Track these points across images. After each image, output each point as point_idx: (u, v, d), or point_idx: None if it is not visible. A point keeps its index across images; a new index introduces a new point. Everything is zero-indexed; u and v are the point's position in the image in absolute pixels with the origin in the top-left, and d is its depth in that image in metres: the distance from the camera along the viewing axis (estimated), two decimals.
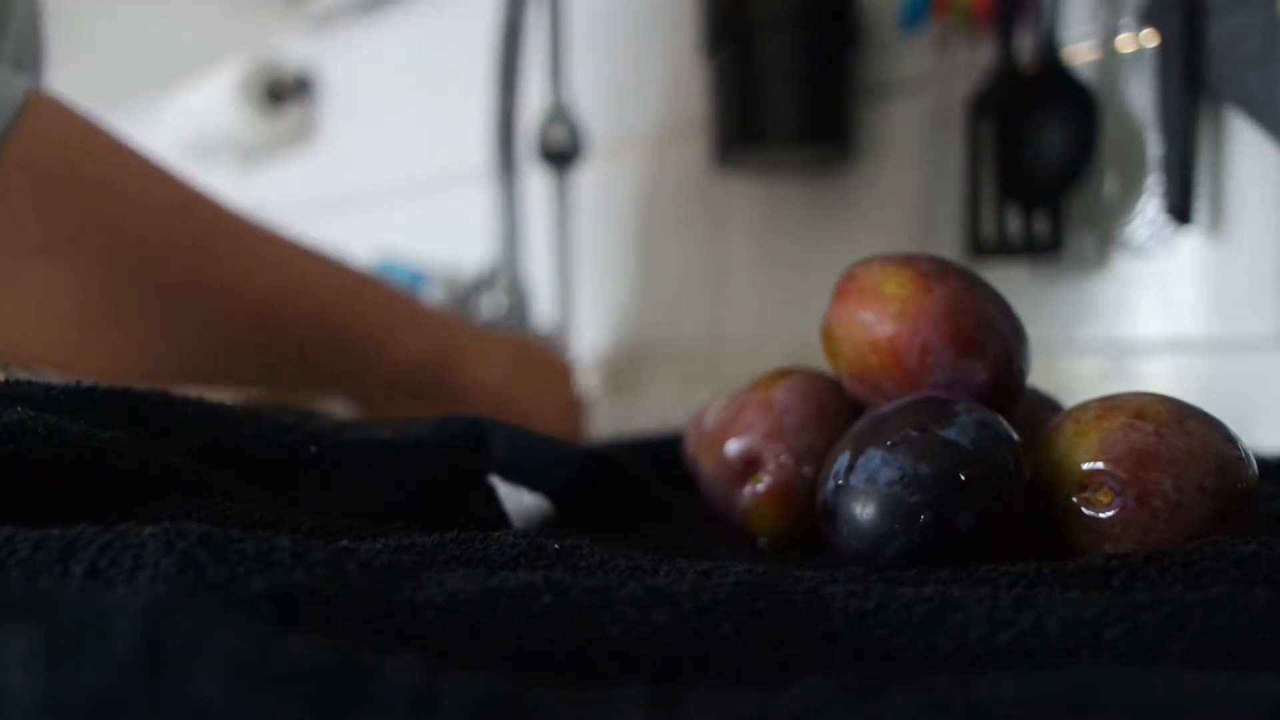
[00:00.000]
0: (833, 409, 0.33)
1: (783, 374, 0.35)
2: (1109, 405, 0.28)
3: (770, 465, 0.33)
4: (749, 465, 0.34)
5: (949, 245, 0.64)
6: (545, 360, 0.67)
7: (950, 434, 0.27)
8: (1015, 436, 0.28)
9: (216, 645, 0.14)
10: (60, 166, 0.47)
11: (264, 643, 0.14)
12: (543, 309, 0.92)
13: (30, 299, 0.47)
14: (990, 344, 0.31)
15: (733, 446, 0.34)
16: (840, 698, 0.15)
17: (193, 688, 0.13)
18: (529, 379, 0.64)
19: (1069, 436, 0.28)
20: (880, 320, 0.31)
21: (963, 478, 0.26)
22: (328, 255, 0.58)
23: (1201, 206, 0.54)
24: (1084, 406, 0.29)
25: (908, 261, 0.32)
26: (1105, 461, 0.27)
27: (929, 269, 0.31)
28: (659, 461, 0.44)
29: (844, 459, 0.28)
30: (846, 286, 0.32)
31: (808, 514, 0.32)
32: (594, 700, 0.14)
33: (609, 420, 0.84)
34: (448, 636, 0.18)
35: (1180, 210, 0.53)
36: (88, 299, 0.48)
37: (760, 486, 0.33)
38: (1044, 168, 0.58)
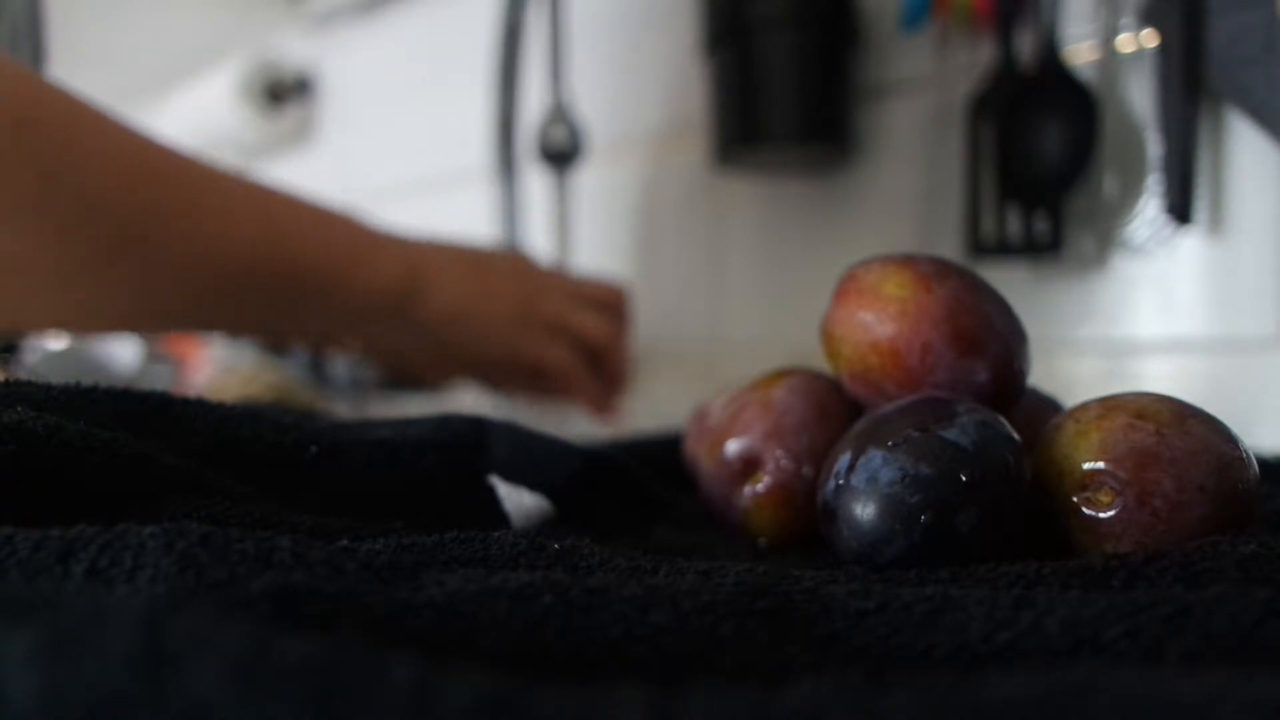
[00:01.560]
0: (833, 409, 0.33)
1: (783, 374, 0.35)
2: (1110, 405, 0.28)
3: (770, 466, 0.33)
4: (749, 465, 0.34)
5: (949, 245, 0.64)
6: (506, 263, 0.67)
7: (951, 434, 0.27)
8: (1016, 437, 0.28)
9: (216, 645, 0.14)
10: (16, 125, 0.46)
11: (264, 643, 0.14)
12: None
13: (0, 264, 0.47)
14: (991, 344, 0.31)
15: (732, 446, 0.34)
16: (840, 698, 0.15)
17: (193, 688, 0.13)
18: (491, 288, 0.65)
19: (1070, 436, 0.28)
20: (881, 320, 0.31)
21: (964, 478, 0.26)
22: (288, 194, 0.58)
23: (1201, 206, 0.54)
24: (1085, 406, 0.29)
25: (908, 262, 0.32)
26: (1106, 461, 0.27)
27: (929, 269, 0.31)
28: (658, 462, 0.44)
29: (845, 459, 0.28)
30: (846, 287, 0.32)
31: (808, 514, 0.32)
32: (594, 701, 0.14)
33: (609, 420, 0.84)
34: (448, 636, 0.18)
35: (1180, 210, 0.53)
36: (58, 259, 0.48)
37: (760, 487, 0.33)
38: (1044, 168, 0.58)
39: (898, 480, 0.26)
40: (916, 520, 0.26)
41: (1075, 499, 0.28)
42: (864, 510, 0.26)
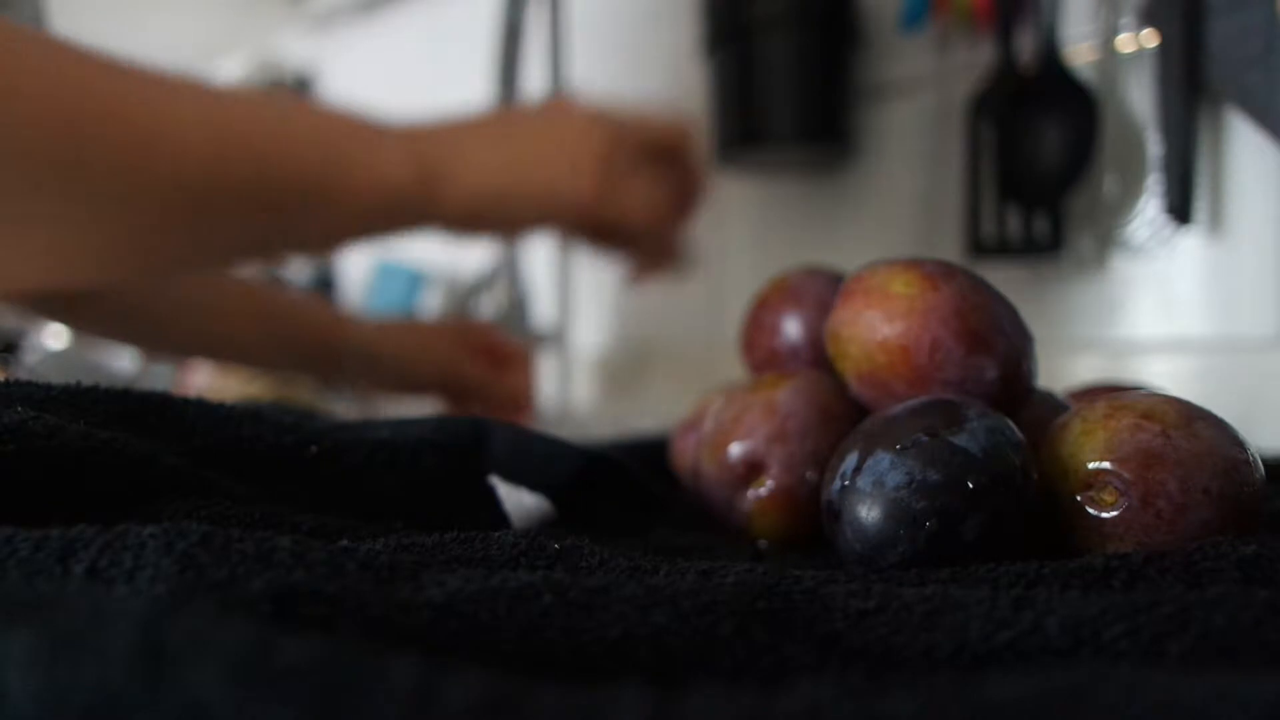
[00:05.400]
0: (836, 412, 0.33)
1: (785, 375, 0.35)
2: (1117, 405, 0.28)
3: (774, 469, 0.33)
4: (752, 469, 0.33)
5: (949, 245, 0.64)
6: (543, 121, 0.57)
7: (960, 440, 0.26)
8: (1025, 442, 0.28)
9: (216, 645, 0.14)
10: None
11: (264, 643, 0.14)
12: (543, 309, 0.92)
13: None
14: (999, 342, 0.31)
15: (735, 450, 0.34)
16: (840, 698, 0.15)
17: (192, 688, 0.13)
18: (529, 156, 0.55)
19: (1076, 435, 0.28)
20: (889, 319, 0.31)
21: (970, 485, 0.26)
22: (258, 96, 0.52)
23: (1201, 206, 0.54)
24: (1092, 405, 0.29)
25: (913, 263, 0.32)
26: (1111, 461, 0.27)
27: (935, 269, 0.31)
28: (654, 463, 0.44)
29: (852, 459, 0.28)
30: (853, 288, 0.32)
31: (811, 518, 0.32)
32: (594, 700, 0.14)
33: (609, 420, 0.84)
34: (448, 636, 0.18)
35: (1180, 210, 0.53)
36: None
37: (763, 490, 0.33)
38: (1044, 168, 0.58)
39: (904, 485, 0.26)
40: (921, 526, 0.26)
41: (1079, 498, 0.28)
42: (869, 513, 0.26)
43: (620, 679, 0.16)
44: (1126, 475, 0.27)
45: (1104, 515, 0.27)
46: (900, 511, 0.26)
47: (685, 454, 0.41)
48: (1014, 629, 0.19)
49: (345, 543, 0.26)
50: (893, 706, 0.14)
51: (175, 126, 0.45)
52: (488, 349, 0.74)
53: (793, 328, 0.39)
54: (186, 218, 0.46)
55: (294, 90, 1.22)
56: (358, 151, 0.50)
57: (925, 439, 0.27)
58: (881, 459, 0.27)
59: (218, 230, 0.48)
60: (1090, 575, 0.24)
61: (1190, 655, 0.19)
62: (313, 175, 0.49)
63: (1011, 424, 0.28)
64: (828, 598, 0.21)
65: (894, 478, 0.26)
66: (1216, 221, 0.55)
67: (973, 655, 0.19)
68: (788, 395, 0.34)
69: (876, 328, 0.31)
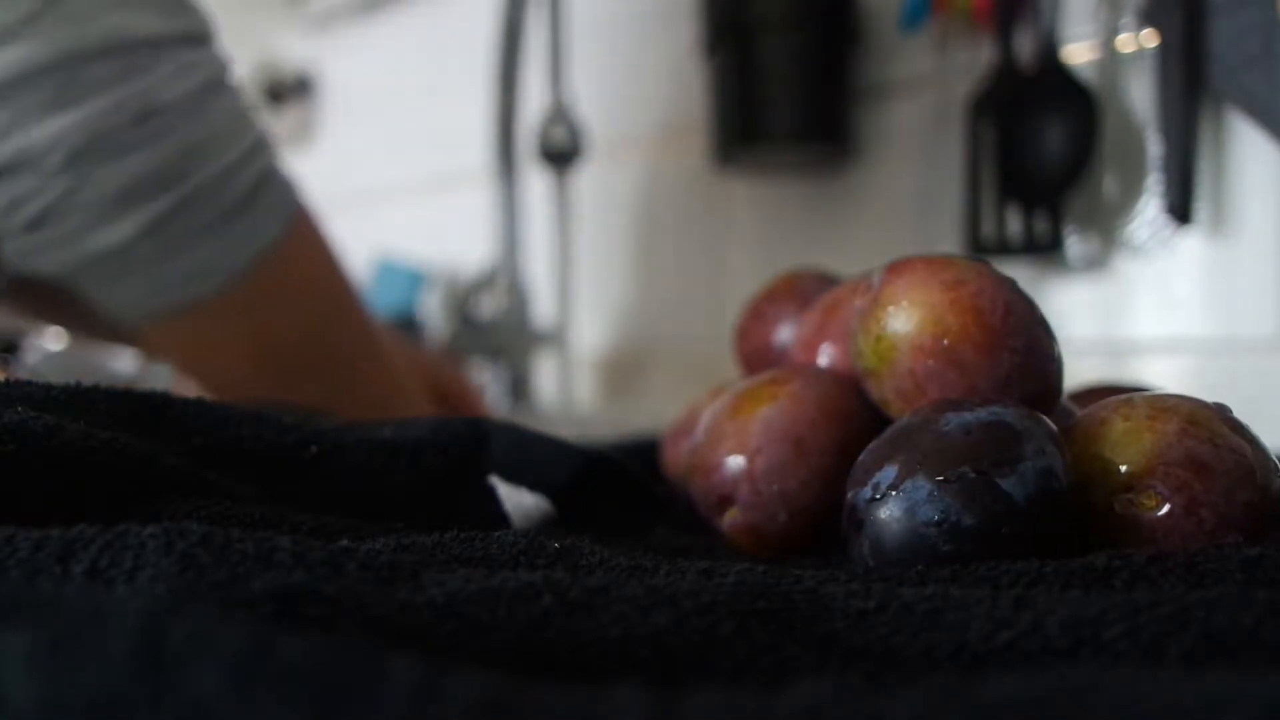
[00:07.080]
0: (813, 445, 0.32)
1: (774, 386, 0.34)
2: (1159, 406, 0.28)
3: (741, 504, 0.32)
4: (724, 500, 0.33)
5: (949, 245, 0.64)
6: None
7: (1008, 484, 0.25)
8: (1075, 484, 0.27)
9: (216, 645, 0.14)
10: (292, 297, 0.53)
11: (264, 643, 0.14)
12: (543, 309, 0.92)
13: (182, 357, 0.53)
14: (1020, 339, 0.30)
15: (709, 480, 0.33)
16: (840, 698, 0.15)
17: (192, 688, 0.13)
18: None
19: (1118, 435, 0.27)
20: (960, 279, 0.30)
21: (1004, 532, 0.25)
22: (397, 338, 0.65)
23: (1202, 206, 0.54)
24: (1130, 404, 0.28)
25: (948, 256, 0.31)
26: (1159, 465, 0.26)
27: (967, 266, 0.30)
28: (654, 463, 0.44)
29: (889, 472, 0.26)
30: (902, 265, 0.31)
31: (783, 547, 0.32)
32: (594, 701, 0.14)
33: (609, 420, 0.84)
34: (448, 636, 0.18)
35: (1180, 210, 0.53)
36: (232, 371, 0.54)
37: (736, 520, 0.33)
38: (1044, 168, 0.58)
39: (936, 523, 0.25)
40: (944, 564, 0.25)
41: (1118, 499, 0.27)
42: (891, 538, 0.26)
43: (620, 679, 0.16)
44: (1173, 481, 0.26)
45: (1143, 519, 0.27)
46: (925, 549, 0.25)
47: (677, 459, 0.41)
48: (1014, 629, 0.19)
49: (345, 543, 0.26)
50: (893, 707, 0.14)
51: (376, 381, 0.61)
52: (453, 400, 0.75)
53: (791, 325, 0.38)
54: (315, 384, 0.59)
55: (294, 90, 1.22)
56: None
57: (972, 475, 0.25)
58: (920, 487, 0.26)
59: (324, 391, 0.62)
60: (1091, 575, 0.24)
61: (1190, 655, 0.19)
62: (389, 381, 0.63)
63: (1067, 463, 0.27)
64: (828, 598, 0.21)
65: (927, 512, 0.25)
66: (1217, 221, 0.55)
67: (973, 655, 0.19)
68: (761, 425, 0.32)
69: (947, 287, 0.29)
